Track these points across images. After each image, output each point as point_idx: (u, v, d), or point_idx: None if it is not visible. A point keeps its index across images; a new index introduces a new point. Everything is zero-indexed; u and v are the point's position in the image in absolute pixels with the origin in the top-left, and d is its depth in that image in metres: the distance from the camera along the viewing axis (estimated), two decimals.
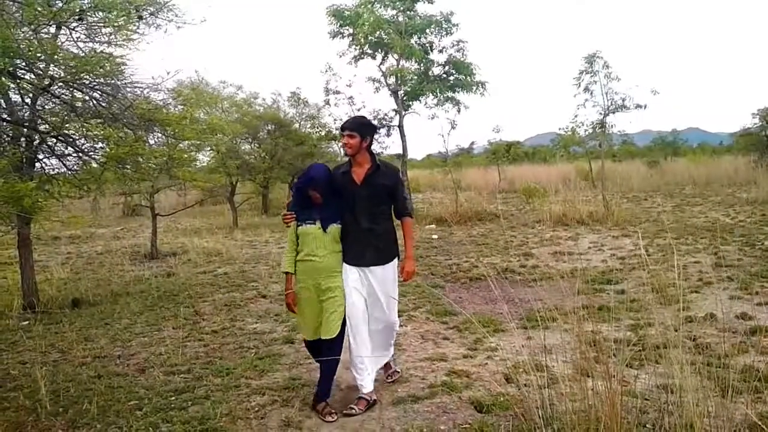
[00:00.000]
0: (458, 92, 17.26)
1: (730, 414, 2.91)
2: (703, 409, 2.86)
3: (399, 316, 6.57)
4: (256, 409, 4.28)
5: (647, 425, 3.31)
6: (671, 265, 7.32)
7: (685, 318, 5.65)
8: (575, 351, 3.72)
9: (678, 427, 2.79)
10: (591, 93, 16.78)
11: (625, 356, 4.12)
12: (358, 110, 17.60)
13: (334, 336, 4.21)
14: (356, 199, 4.27)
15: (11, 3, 5.35)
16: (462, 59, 17.03)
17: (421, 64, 17.09)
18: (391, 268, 4.41)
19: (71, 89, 6.27)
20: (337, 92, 17.62)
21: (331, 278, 4.26)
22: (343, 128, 4.24)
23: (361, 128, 4.26)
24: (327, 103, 18.11)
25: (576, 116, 18.47)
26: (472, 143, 36.60)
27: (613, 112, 16.56)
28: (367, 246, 4.29)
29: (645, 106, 16.19)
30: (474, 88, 16.92)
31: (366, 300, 4.31)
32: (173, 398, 4.55)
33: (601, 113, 16.79)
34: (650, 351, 4.36)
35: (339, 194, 4.31)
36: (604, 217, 13.43)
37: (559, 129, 23.13)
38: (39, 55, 5.62)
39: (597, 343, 3.58)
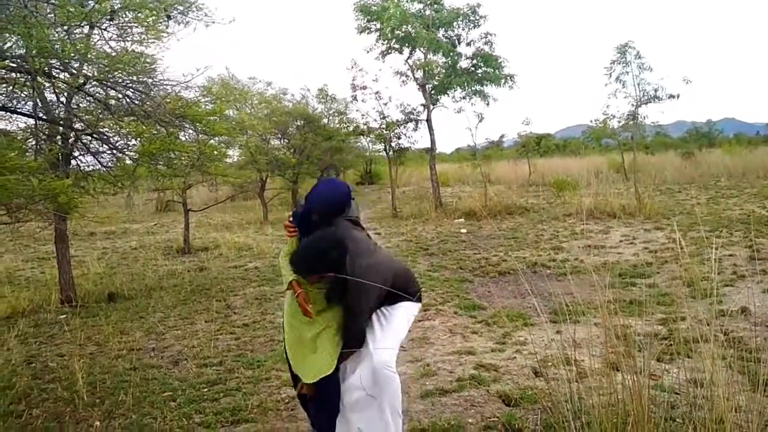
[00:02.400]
0: (486, 85, 17.11)
1: (762, 408, 2.87)
2: (733, 403, 2.83)
3: (426, 310, 6.63)
4: (287, 401, 4.35)
5: (677, 419, 3.28)
6: (705, 259, 7.22)
7: (718, 312, 5.56)
8: (604, 345, 3.69)
9: (708, 421, 2.75)
10: (623, 84, 16.49)
11: (655, 350, 4.09)
12: (385, 104, 17.59)
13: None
14: None
15: (45, 4, 5.48)
16: (490, 52, 16.87)
17: (449, 58, 16.99)
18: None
19: (105, 88, 6.41)
20: (364, 88, 17.65)
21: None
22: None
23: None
24: (354, 98, 18.15)
25: (607, 107, 18.19)
26: (502, 136, 36.29)
27: (646, 103, 16.26)
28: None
29: (678, 96, 15.84)
30: (502, 81, 16.77)
31: None
32: (206, 390, 4.64)
33: (633, 104, 16.51)
34: (681, 345, 4.31)
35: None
36: (636, 210, 13.23)
37: (591, 121, 22.82)
38: (73, 54, 5.75)
39: (627, 337, 3.55)
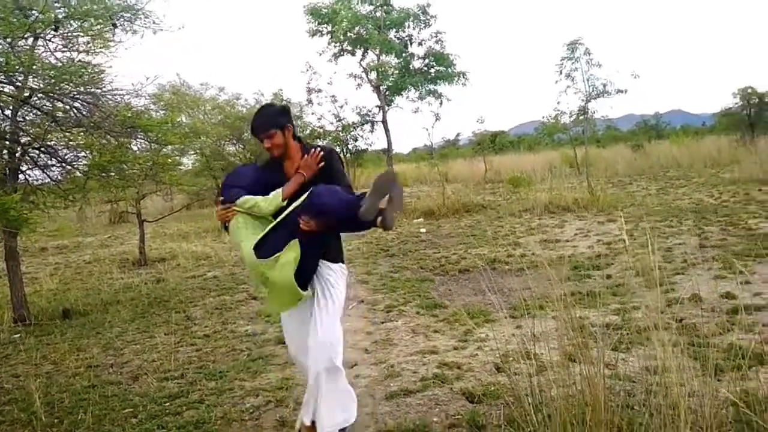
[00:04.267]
0: (440, 84, 17.31)
1: (714, 392, 2.98)
2: (687, 388, 2.93)
3: (389, 311, 6.67)
4: (251, 410, 4.32)
5: (634, 407, 3.38)
6: (656, 248, 7.44)
7: (670, 300, 5.74)
8: (563, 337, 3.78)
9: (663, 407, 2.84)
10: (573, 80, 16.86)
11: (611, 340, 4.20)
12: (341, 107, 17.63)
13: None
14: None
15: None
16: (441, 50, 17.07)
17: (401, 59, 17.12)
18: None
19: (52, 100, 6.26)
20: (319, 91, 17.63)
21: None
22: (256, 132, 3.50)
23: (276, 120, 3.48)
24: (310, 101, 18.11)
25: (558, 103, 18.56)
26: (458, 135, 36.71)
27: (595, 98, 16.67)
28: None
29: (626, 91, 16.29)
30: (455, 78, 16.98)
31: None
32: (168, 404, 4.57)
33: (583, 99, 16.90)
34: (635, 334, 4.44)
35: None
36: (589, 203, 13.54)
37: (543, 117, 23.24)
38: (17, 67, 5.61)
39: (583, 328, 3.64)
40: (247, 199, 3.38)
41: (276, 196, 3.37)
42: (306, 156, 3.46)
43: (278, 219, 3.35)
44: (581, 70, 16.52)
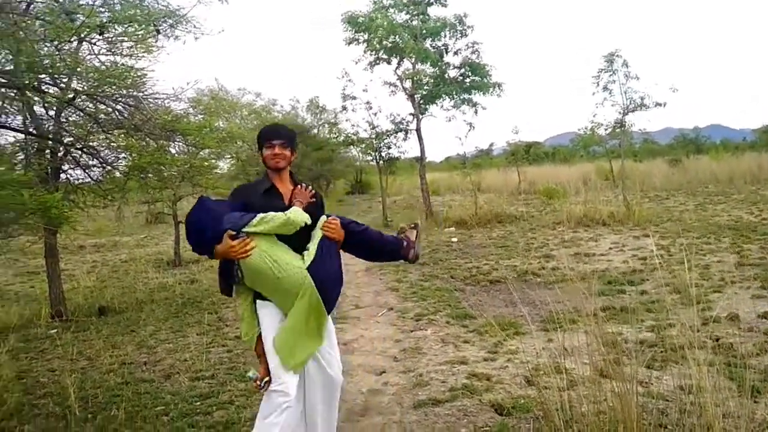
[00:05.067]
0: (475, 94, 17.25)
1: (750, 414, 2.91)
2: (722, 409, 2.87)
3: (418, 320, 6.66)
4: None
5: (667, 426, 3.31)
6: (693, 265, 7.29)
7: (707, 318, 5.62)
8: (595, 353, 3.73)
9: (697, 427, 2.79)
10: (610, 92, 16.71)
11: (645, 357, 4.13)
12: (375, 114, 17.69)
13: None
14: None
15: (35, 20, 5.49)
16: (477, 61, 17.02)
17: (437, 67, 17.12)
18: None
19: (94, 102, 6.42)
20: (354, 98, 17.72)
21: None
22: (272, 136, 3.38)
23: (293, 137, 3.49)
24: (344, 108, 18.21)
25: (595, 116, 18.39)
26: (491, 145, 36.39)
27: (633, 111, 16.47)
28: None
29: (664, 104, 16.08)
30: (490, 89, 16.92)
31: None
32: (198, 403, 4.64)
33: (620, 112, 16.70)
34: (670, 352, 4.36)
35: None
36: (625, 218, 13.33)
37: (578, 129, 23.02)
38: (62, 69, 5.77)
39: (616, 344, 3.59)
40: (266, 216, 3.08)
41: (300, 212, 3.15)
42: (299, 187, 3.37)
43: (317, 245, 3.19)
44: (619, 82, 16.37)
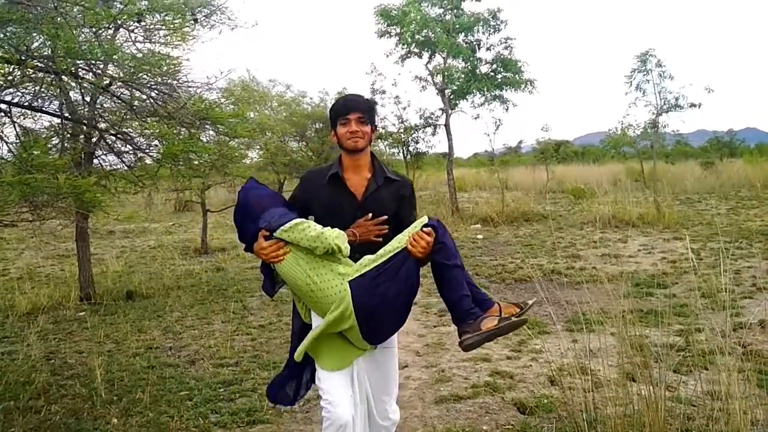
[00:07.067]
0: (506, 90, 17.11)
1: None
2: (750, 416, 2.82)
3: (441, 316, 6.64)
4: (301, 403, 4.37)
5: None
6: (724, 270, 7.14)
7: (737, 324, 5.51)
8: (621, 355, 3.68)
9: None
10: (643, 92, 16.41)
11: (672, 361, 4.07)
12: (404, 109, 17.65)
13: None
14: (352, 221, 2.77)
15: (74, 6, 5.57)
16: (510, 57, 16.88)
17: (468, 63, 17.00)
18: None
19: (130, 89, 6.49)
20: (383, 92, 17.70)
21: None
22: (349, 109, 2.73)
23: (373, 109, 2.85)
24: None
25: (627, 115, 18.11)
26: (520, 142, 36.13)
27: (666, 112, 16.18)
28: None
29: (699, 105, 15.75)
30: (522, 86, 16.76)
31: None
32: (222, 390, 4.69)
33: (653, 112, 16.42)
34: (698, 357, 4.29)
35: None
36: (655, 219, 13.13)
37: (609, 129, 22.70)
38: (99, 55, 5.84)
39: (643, 347, 3.54)
40: (302, 223, 2.64)
41: (340, 239, 2.61)
42: (368, 217, 2.73)
43: (387, 257, 2.60)
44: (652, 82, 16.08)
